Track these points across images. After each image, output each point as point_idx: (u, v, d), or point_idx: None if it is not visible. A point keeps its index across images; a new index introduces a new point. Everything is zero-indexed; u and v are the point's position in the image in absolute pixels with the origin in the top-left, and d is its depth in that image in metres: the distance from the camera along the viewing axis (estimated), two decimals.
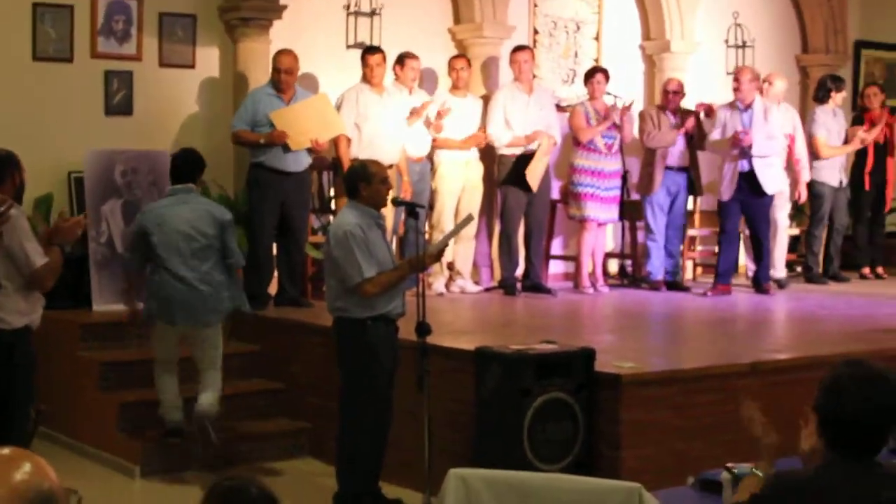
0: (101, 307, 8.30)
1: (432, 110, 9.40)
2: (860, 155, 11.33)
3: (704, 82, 11.30)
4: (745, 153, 9.73)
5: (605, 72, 10.23)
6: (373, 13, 9.98)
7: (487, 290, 10.02)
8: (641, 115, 10.47)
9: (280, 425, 7.81)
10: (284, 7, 9.31)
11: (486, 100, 9.95)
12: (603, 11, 11.43)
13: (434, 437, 5.87)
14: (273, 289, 8.77)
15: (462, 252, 9.84)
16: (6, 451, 2.14)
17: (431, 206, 9.58)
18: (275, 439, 7.68)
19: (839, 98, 11.18)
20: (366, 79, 9.12)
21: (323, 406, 7.25)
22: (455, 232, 6.93)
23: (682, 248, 10.61)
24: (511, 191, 9.69)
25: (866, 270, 11.52)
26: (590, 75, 10.21)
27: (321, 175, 9.56)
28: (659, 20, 11.67)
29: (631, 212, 10.48)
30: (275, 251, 8.75)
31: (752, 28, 12.25)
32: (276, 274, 8.78)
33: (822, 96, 11.13)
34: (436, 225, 9.61)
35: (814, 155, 10.85)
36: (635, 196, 10.47)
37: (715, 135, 9.96)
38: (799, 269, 11.40)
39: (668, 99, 10.39)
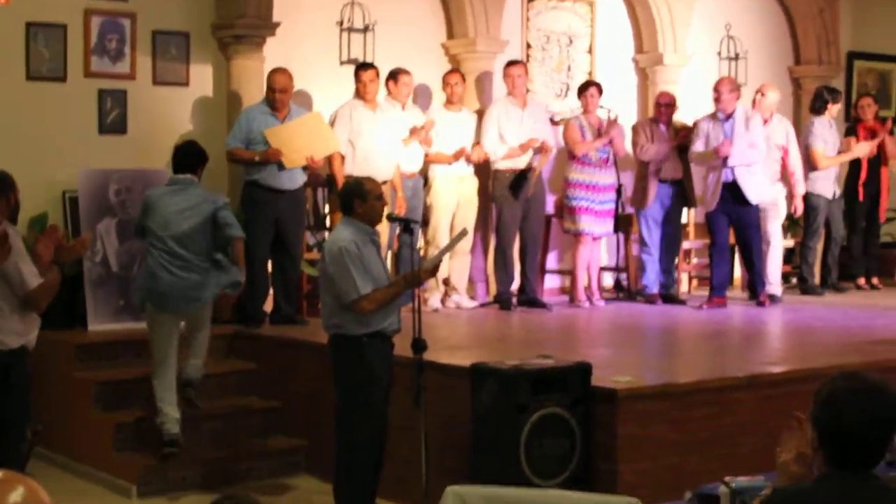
0: (96, 327, 8.30)
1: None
2: (854, 166, 11.35)
3: (697, 95, 11.32)
4: (726, 163, 9.73)
5: (598, 85, 10.26)
6: (366, 29, 10.00)
7: (483, 305, 10.01)
8: (634, 129, 10.48)
9: (277, 443, 7.80)
10: (278, 24, 9.31)
11: (481, 114, 9.96)
12: (595, 25, 11.46)
13: (431, 454, 5.86)
14: (268, 306, 8.76)
15: (457, 267, 9.84)
16: None
17: (426, 222, 9.58)
18: (272, 457, 7.68)
19: (835, 109, 11.20)
20: (359, 95, 9.12)
21: (319, 423, 7.24)
22: (450, 247, 6.93)
23: (676, 261, 10.60)
24: (506, 205, 9.70)
25: (861, 281, 11.54)
26: (583, 89, 10.24)
27: (316, 192, 9.56)
28: (651, 33, 11.69)
29: (625, 225, 10.49)
30: (270, 269, 8.74)
31: (744, 40, 12.29)
32: (271, 291, 8.78)
33: (818, 107, 11.14)
34: (431, 241, 9.60)
35: (812, 166, 10.85)
36: (630, 209, 10.48)
37: (698, 146, 9.96)
38: (794, 280, 11.41)
39: (660, 112, 10.40)
